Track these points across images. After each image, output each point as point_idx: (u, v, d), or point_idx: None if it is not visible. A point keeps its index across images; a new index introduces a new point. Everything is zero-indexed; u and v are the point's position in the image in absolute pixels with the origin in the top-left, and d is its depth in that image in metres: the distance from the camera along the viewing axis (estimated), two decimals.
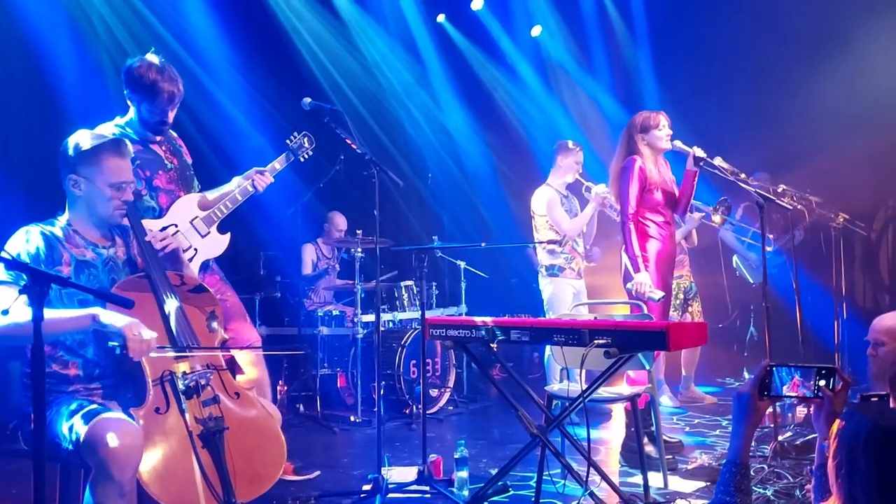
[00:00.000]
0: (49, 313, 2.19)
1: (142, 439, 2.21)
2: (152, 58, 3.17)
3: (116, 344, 2.27)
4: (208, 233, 3.27)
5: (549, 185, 5.53)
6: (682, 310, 5.91)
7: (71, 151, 2.51)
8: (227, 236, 3.34)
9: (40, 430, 1.75)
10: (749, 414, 1.72)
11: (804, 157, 6.21)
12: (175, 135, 3.44)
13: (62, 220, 2.56)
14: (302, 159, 3.61)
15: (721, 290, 6.70)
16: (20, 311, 2.01)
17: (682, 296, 5.92)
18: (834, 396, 1.66)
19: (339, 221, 6.53)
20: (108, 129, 3.13)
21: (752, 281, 6.68)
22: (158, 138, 3.29)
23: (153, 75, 3.10)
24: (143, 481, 2.21)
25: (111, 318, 2.27)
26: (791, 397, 1.74)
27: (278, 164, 3.49)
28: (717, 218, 4.80)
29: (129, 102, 3.20)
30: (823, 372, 1.69)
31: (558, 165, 5.50)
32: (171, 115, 3.22)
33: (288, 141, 3.56)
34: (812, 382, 1.70)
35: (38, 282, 1.68)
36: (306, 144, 3.59)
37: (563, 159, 5.47)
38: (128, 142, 2.70)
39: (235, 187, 3.37)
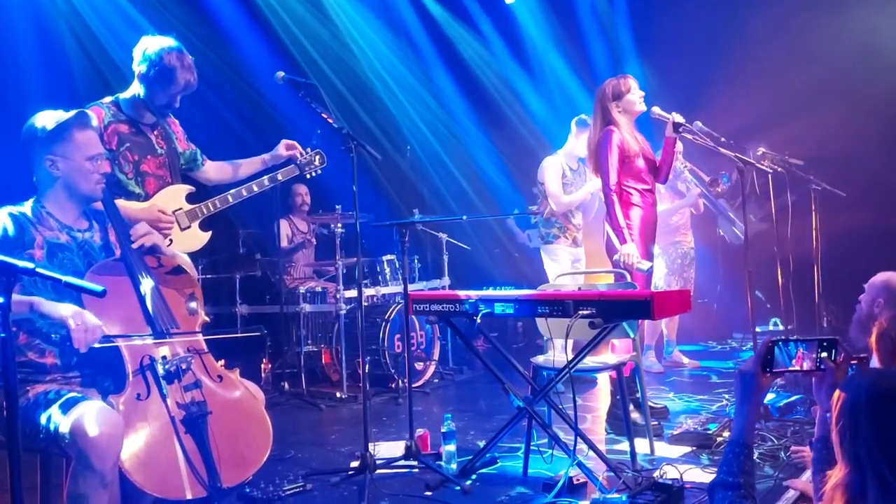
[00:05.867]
0: None
1: (122, 427, 2.17)
2: (173, 42, 3.12)
3: (59, 334, 2.22)
4: (189, 227, 3.20)
5: (558, 154, 5.51)
6: (679, 274, 5.96)
7: (41, 133, 2.43)
8: (208, 234, 3.29)
9: (14, 424, 1.70)
10: (753, 392, 1.69)
11: (784, 116, 6.22)
12: (172, 119, 3.38)
13: (31, 202, 2.48)
14: (308, 176, 3.60)
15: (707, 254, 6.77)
16: None
17: (679, 260, 5.97)
18: (836, 368, 1.66)
19: (300, 189, 6.45)
20: (98, 109, 3.08)
21: (734, 241, 6.74)
22: (151, 121, 3.22)
23: (174, 61, 3.07)
24: (126, 469, 2.17)
25: (51, 307, 2.22)
26: (793, 371, 1.71)
27: (281, 175, 3.47)
28: (718, 189, 4.90)
29: (137, 80, 3.14)
30: (825, 344, 1.68)
31: (575, 139, 5.42)
32: (178, 102, 3.19)
33: (299, 156, 3.53)
34: (814, 355, 1.68)
35: (4, 272, 1.62)
36: (317, 163, 3.59)
37: (580, 133, 5.37)
38: (91, 113, 2.64)
39: (238, 189, 3.34)
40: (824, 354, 1.67)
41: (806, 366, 1.69)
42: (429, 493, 3.18)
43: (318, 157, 3.59)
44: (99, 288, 1.74)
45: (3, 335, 1.70)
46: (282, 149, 3.52)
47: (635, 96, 4.12)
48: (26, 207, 2.46)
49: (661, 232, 5.77)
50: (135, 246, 2.57)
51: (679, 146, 5.69)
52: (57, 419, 2.17)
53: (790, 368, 1.71)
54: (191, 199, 3.27)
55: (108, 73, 5.25)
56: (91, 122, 2.54)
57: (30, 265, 1.71)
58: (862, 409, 1.38)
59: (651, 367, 5.69)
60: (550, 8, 7.94)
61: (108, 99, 3.19)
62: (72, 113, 2.50)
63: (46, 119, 2.46)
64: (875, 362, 2.29)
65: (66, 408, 2.18)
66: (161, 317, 2.49)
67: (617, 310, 2.86)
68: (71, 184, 2.47)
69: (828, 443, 1.51)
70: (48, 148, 2.44)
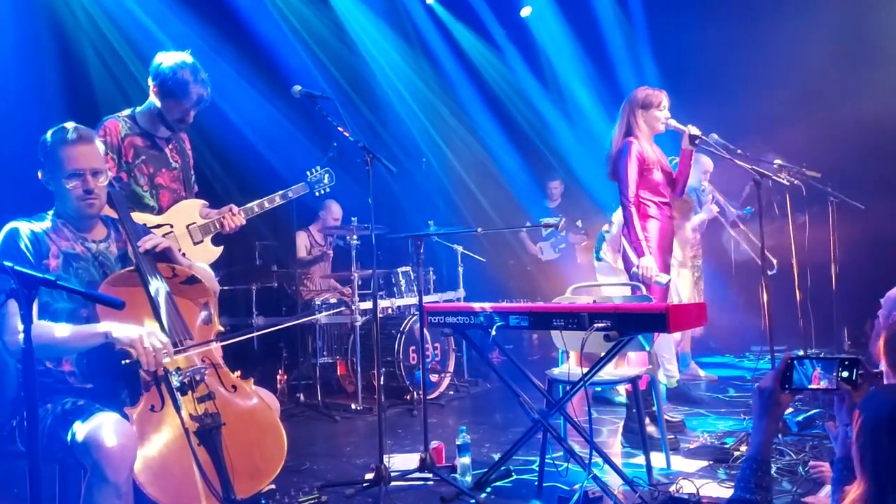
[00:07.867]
0: (61, 329, 2.25)
1: (135, 439, 2.18)
2: (187, 58, 3.18)
3: (128, 360, 2.25)
4: (201, 241, 3.24)
5: None
6: (695, 287, 5.95)
7: (39, 145, 2.45)
8: (220, 249, 3.33)
9: (33, 432, 1.71)
10: (771, 408, 1.67)
11: (801, 128, 6.18)
12: (184, 136, 3.43)
13: (51, 213, 2.52)
14: (317, 194, 3.69)
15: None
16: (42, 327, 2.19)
17: (696, 274, 5.96)
18: (857, 387, 1.62)
19: (335, 209, 6.49)
20: (115, 122, 3.15)
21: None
22: (166, 135, 3.27)
23: (187, 76, 3.12)
24: (140, 482, 2.16)
25: (122, 331, 2.26)
26: (814, 389, 1.68)
27: (292, 192, 3.54)
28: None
29: (152, 94, 3.19)
30: (846, 363, 1.65)
31: None
32: (191, 116, 3.23)
33: (308, 173, 3.62)
34: (834, 374, 1.65)
35: (25, 285, 1.64)
36: (326, 181, 3.69)
37: None
38: (86, 130, 2.51)
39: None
40: (845, 374, 1.64)
41: (825, 384, 1.66)
42: None
43: (326, 176, 3.69)
44: (119, 300, 1.75)
45: (23, 346, 1.72)
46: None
47: (662, 114, 4.10)
48: (46, 220, 2.49)
49: (681, 247, 5.77)
50: (147, 246, 2.55)
51: (709, 165, 5.69)
52: (73, 429, 2.18)
53: (810, 386, 1.67)
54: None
55: (127, 86, 5.32)
56: (81, 136, 2.43)
57: (50, 277, 1.73)
58: (884, 426, 1.35)
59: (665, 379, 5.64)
60: (566, 20, 7.96)
61: (125, 112, 3.24)
62: (70, 126, 2.45)
63: (52, 130, 2.45)
64: (883, 366, 2.26)
65: (82, 418, 2.19)
66: (175, 327, 2.50)
67: (632, 322, 2.85)
68: (61, 199, 2.48)
69: (849, 462, 1.48)
70: (41, 163, 2.46)
